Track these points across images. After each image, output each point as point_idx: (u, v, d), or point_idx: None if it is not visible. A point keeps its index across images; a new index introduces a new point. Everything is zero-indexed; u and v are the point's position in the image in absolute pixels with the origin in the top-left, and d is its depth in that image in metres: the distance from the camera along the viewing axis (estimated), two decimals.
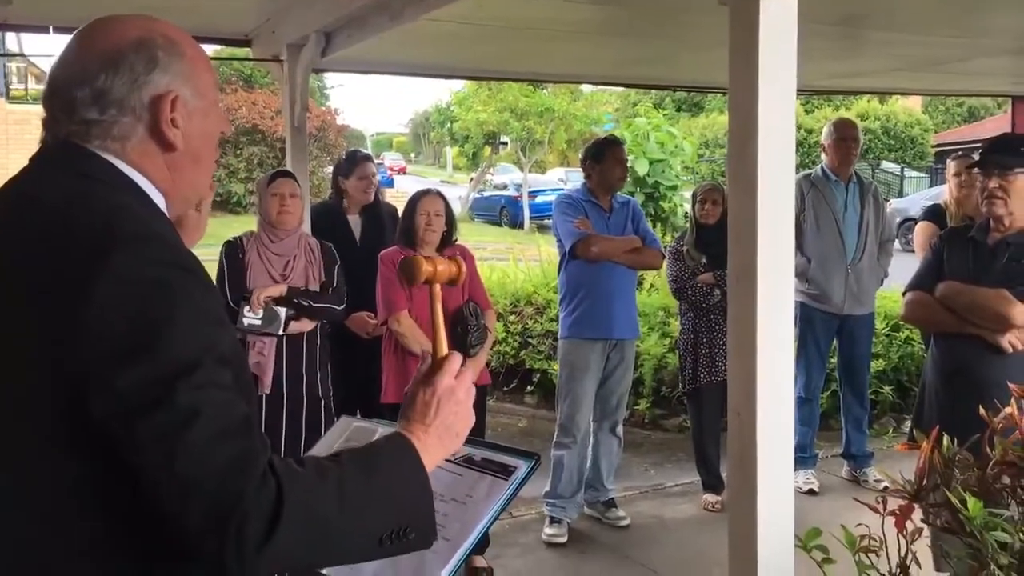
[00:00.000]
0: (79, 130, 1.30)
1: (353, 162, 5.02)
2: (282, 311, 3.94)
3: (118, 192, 1.29)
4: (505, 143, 30.08)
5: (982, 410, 2.05)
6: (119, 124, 1.30)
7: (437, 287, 1.53)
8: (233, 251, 4.06)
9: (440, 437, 1.41)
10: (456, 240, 4.39)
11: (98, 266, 1.15)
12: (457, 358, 1.47)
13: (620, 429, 5.07)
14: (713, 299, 5.07)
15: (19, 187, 1.32)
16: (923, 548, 1.92)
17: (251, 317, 3.90)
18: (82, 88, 1.29)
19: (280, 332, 3.95)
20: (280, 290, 3.98)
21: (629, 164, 11.07)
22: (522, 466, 1.64)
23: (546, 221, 21.98)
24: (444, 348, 1.49)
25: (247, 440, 1.17)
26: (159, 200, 1.36)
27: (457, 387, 1.45)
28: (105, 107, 1.29)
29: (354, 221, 4.95)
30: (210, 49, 8.74)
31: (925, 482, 1.95)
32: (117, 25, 1.34)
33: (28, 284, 1.20)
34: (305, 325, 4.04)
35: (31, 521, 1.22)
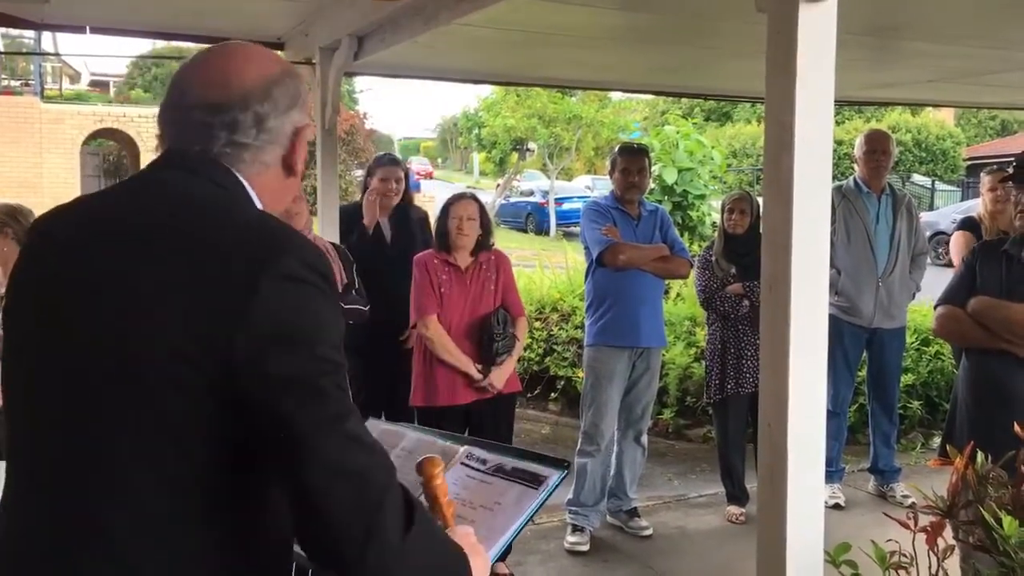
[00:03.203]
0: (231, 153, 1.38)
1: (379, 163, 5.11)
2: None
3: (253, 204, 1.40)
4: (532, 150, 30.08)
5: (1017, 427, 2.02)
6: (265, 150, 1.41)
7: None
8: None
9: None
10: (493, 244, 4.39)
11: (269, 264, 1.24)
12: None
13: (644, 438, 5.04)
14: (742, 309, 5.04)
15: (167, 187, 1.37)
16: (953, 566, 1.90)
17: None
18: (244, 111, 1.38)
19: None
20: None
21: (657, 172, 11.14)
22: (553, 476, 1.63)
23: (572, 228, 21.96)
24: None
25: (379, 446, 1.30)
26: None
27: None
28: (259, 132, 1.40)
29: (385, 224, 4.97)
30: None
31: (958, 499, 1.92)
32: (260, 56, 1.45)
33: (190, 273, 1.25)
34: None
35: (175, 497, 1.26)
